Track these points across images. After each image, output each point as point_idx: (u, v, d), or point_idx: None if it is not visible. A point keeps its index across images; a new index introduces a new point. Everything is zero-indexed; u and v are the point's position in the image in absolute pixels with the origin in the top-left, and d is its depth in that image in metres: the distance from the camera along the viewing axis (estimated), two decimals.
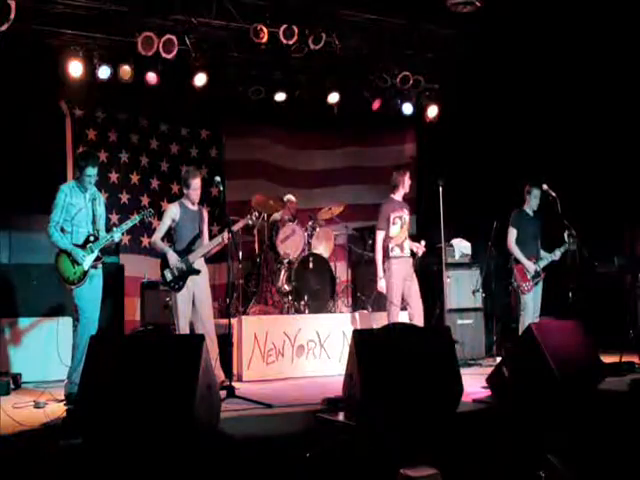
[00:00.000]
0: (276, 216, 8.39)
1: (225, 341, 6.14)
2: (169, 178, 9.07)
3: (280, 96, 8.85)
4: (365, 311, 7.85)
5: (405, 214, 7.02)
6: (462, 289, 8.16)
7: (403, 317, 7.04)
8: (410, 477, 3.56)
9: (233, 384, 5.78)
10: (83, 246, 5.63)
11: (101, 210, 5.84)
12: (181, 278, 6.07)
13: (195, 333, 6.05)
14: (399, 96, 9.21)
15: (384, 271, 6.86)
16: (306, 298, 7.61)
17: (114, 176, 8.70)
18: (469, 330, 8.08)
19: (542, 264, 7.20)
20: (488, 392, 5.51)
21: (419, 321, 6.83)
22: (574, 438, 4.28)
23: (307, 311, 7.58)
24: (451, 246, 8.27)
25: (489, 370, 5.76)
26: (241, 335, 6.88)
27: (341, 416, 4.78)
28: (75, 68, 7.54)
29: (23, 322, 6.83)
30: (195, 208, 6.29)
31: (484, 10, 7.31)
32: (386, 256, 6.85)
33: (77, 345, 5.57)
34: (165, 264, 6.09)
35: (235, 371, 6.72)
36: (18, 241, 7.12)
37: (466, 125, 9.12)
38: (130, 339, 5.66)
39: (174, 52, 7.53)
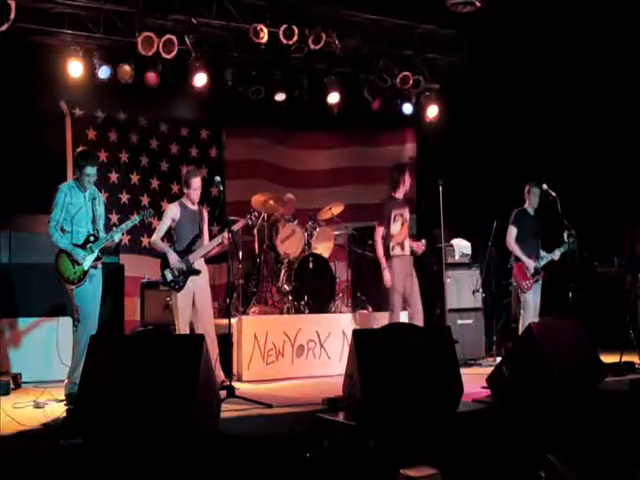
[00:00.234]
0: (276, 215, 8.38)
1: (225, 341, 6.14)
2: (169, 178, 9.06)
3: (280, 96, 8.85)
4: (365, 311, 7.85)
5: (406, 213, 7.03)
6: (462, 289, 8.15)
7: (403, 317, 7.04)
8: (410, 477, 3.56)
9: (233, 384, 5.78)
10: (83, 246, 5.63)
11: (101, 210, 5.83)
12: (181, 278, 6.07)
13: (195, 333, 6.06)
14: (399, 96, 9.21)
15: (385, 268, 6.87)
16: (306, 298, 7.60)
17: (114, 176, 8.69)
18: (469, 330, 8.06)
19: (542, 263, 7.21)
20: (488, 392, 5.52)
21: (419, 321, 6.83)
22: (574, 438, 4.28)
23: (307, 311, 7.58)
24: (451, 246, 8.26)
25: (489, 370, 5.77)
26: (241, 335, 6.88)
27: (341, 416, 4.78)
28: (75, 68, 7.54)
29: (23, 322, 6.82)
30: (195, 208, 6.29)
31: (484, 10, 7.32)
32: (387, 255, 6.85)
33: (77, 345, 5.56)
34: (165, 264, 6.09)
35: (235, 371, 6.72)
36: (18, 241, 7.10)
37: (466, 125, 9.11)
38: (130, 339, 5.67)
39: (174, 52, 7.54)
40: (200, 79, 8.00)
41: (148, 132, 9.01)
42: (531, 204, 7.35)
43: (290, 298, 7.61)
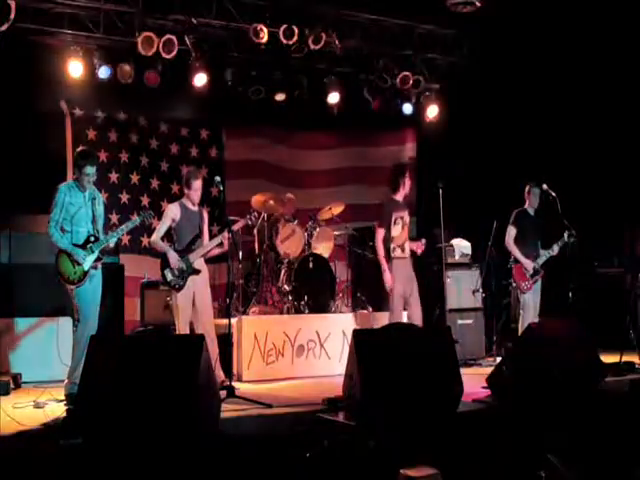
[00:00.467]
0: (276, 215, 8.38)
1: (225, 341, 6.14)
2: (169, 178, 9.05)
3: (280, 96, 8.85)
4: (365, 311, 7.85)
5: (406, 215, 7.01)
6: (462, 289, 8.15)
7: (403, 318, 7.03)
8: (410, 477, 3.56)
9: (233, 384, 5.78)
10: (83, 246, 5.62)
11: (100, 210, 5.83)
12: (181, 278, 6.07)
13: (195, 333, 6.06)
14: (399, 96, 9.21)
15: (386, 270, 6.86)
16: (306, 298, 7.60)
17: (114, 176, 8.69)
18: (469, 330, 8.06)
19: (541, 261, 7.20)
20: (488, 392, 5.51)
21: (418, 323, 6.81)
22: (574, 438, 4.28)
23: (307, 311, 7.58)
24: (451, 246, 8.26)
25: (489, 370, 5.76)
26: (241, 335, 6.88)
27: (341, 416, 4.78)
28: (75, 68, 7.54)
29: (23, 322, 6.81)
30: (195, 209, 6.30)
31: (484, 10, 7.32)
32: (388, 257, 6.84)
33: (77, 345, 5.55)
34: (165, 264, 6.09)
35: (235, 371, 6.72)
36: (18, 241, 7.10)
37: (466, 125, 9.11)
38: (130, 339, 5.68)
39: (174, 52, 7.53)
40: (200, 79, 8.00)
41: (148, 132, 9.01)
42: (531, 204, 7.35)
43: (290, 298, 7.60)
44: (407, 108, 9.30)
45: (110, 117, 8.69)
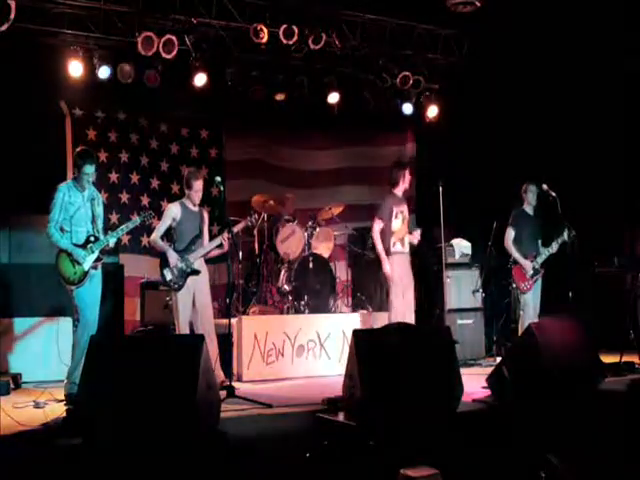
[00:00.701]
0: (276, 215, 8.38)
1: (225, 341, 6.14)
2: (169, 178, 9.06)
3: (280, 96, 8.85)
4: (365, 311, 7.85)
5: (405, 209, 7.03)
6: (462, 289, 8.15)
7: None
8: (410, 477, 3.56)
9: (233, 384, 5.77)
10: (84, 246, 5.63)
11: (100, 210, 5.82)
12: (180, 277, 6.07)
13: (195, 333, 6.05)
14: (399, 96, 9.21)
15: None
16: (306, 298, 7.61)
17: (114, 176, 8.69)
18: (469, 330, 8.06)
19: (540, 260, 7.19)
20: (488, 392, 5.51)
21: (410, 318, 6.79)
22: (574, 438, 4.28)
23: (307, 311, 7.58)
24: (451, 246, 8.26)
25: (489, 370, 5.76)
26: (241, 335, 6.88)
27: (341, 416, 4.78)
28: (75, 68, 7.53)
29: (23, 322, 6.82)
30: (196, 209, 6.30)
31: (484, 10, 7.32)
32: (388, 251, 6.85)
33: (77, 345, 5.56)
34: (165, 263, 6.09)
35: (235, 371, 6.72)
36: (18, 241, 7.11)
37: (466, 125, 9.11)
38: (130, 339, 5.68)
39: (174, 52, 7.53)
40: (200, 79, 8.00)
41: (148, 132, 9.01)
42: (529, 202, 7.34)
43: (290, 298, 7.61)
44: (407, 108, 9.30)
45: (110, 117, 8.70)
